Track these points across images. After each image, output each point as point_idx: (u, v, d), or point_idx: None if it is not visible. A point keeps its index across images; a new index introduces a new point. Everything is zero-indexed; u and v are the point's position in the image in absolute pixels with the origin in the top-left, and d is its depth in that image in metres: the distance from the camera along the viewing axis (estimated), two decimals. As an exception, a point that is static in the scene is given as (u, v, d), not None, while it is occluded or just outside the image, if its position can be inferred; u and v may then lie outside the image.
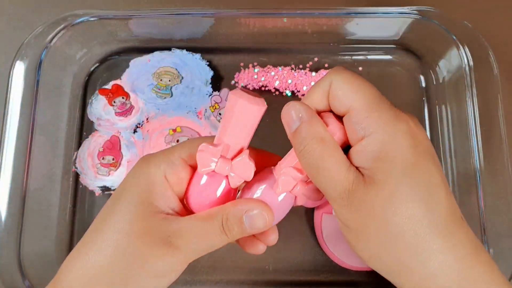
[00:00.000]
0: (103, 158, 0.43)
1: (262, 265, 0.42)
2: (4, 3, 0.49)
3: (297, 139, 0.23)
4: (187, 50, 0.47)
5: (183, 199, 0.27)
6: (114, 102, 0.45)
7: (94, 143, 0.44)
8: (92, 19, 0.43)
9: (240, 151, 0.25)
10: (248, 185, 0.26)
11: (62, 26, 0.42)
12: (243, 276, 0.42)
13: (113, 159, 0.43)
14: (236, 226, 0.24)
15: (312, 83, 0.45)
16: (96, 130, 0.45)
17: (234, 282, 0.41)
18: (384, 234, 0.21)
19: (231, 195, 0.26)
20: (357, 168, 0.23)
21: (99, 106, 0.45)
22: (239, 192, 0.27)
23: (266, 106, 0.24)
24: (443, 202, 0.22)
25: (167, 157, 0.26)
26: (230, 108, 0.24)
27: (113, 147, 0.44)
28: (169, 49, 0.47)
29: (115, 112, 0.45)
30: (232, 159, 0.25)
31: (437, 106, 0.45)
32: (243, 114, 0.24)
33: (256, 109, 0.24)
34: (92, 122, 0.45)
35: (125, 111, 0.45)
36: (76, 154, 0.44)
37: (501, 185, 0.38)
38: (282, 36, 0.47)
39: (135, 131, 0.45)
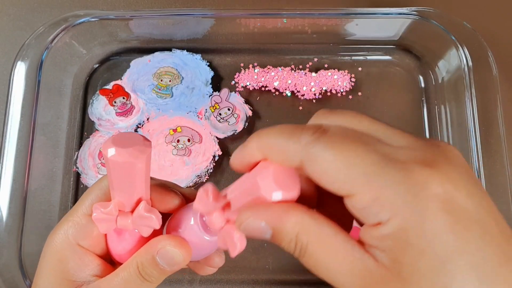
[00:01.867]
0: (103, 158, 0.43)
1: (262, 264, 0.42)
2: (5, 4, 0.49)
3: (284, 245, 0.18)
4: (187, 51, 0.47)
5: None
6: (115, 102, 0.45)
7: (94, 143, 0.44)
8: (93, 19, 0.43)
9: (138, 202, 0.22)
10: (169, 222, 0.24)
11: (63, 26, 0.43)
12: (243, 275, 0.42)
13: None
14: (153, 269, 0.22)
15: (312, 83, 0.45)
16: (97, 130, 0.45)
17: (234, 282, 0.42)
18: None
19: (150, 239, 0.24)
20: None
21: (99, 106, 0.45)
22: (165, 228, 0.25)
23: (148, 150, 0.20)
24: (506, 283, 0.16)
25: (72, 221, 0.23)
26: (106, 161, 0.20)
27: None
28: (169, 49, 0.47)
29: (116, 112, 0.45)
30: (132, 211, 0.23)
31: (436, 107, 0.46)
32: (120, 168, 0.20)
33: (132, 162, 0.20)
34: (93, 122, 0.45)
35: (126, 111, 0.45)
36: (77, 154, 0.44)
37: (500, 185, 0.38)
38: (282, 36, 0.47)
39: (135, 131, 0.45)
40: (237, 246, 0.21)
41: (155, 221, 0.22)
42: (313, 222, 0.17)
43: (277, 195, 0.18)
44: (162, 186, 0.24)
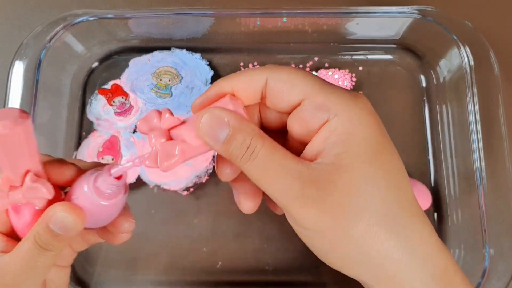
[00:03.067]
0: (102, 158, 0.43)
1: (261, 265, 0.42)
2: (3, 3, 0.49)
3: (233, 147, 0.20)
4: (187, 50, 0.47)
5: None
6: (114, 102, 0.45)
7: (93, 143, 0.44)
8: (91, 18, 0.43)
9: (25, 174, 0.22)
10: (68, 193, 0.24)
11: (61, 25, 0.42)
12: (243, 276, 0.41)
13: (112, 159, 0.43)
14: (48, 236, 0.22)
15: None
16: (96, 130, 0.45)
17: (234, 283, 0.41)
18: (360, 216, 0.19)
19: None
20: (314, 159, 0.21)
21: (98, 106, 0.45)
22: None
23: (25, 121, 0.21)
24: (407, 186, 0.21)
25: None
26: None
27: (112, 147, 0.43)
28: (168, 48, 0.47)
29: (115, 112, 0.45)
30: (22, 184, 0.22)
31: (437, 106, 0.45)
32: None
33: (7, 133, 0.20)
34: (91, 122, 0.45)
35: (125, 111, 0.45)
36: (76, 154, 0.44)
37: (502, 185, 0.38)
38: (282, 35, 0.46)
39: (134, 131, 0.45)
40: (175, 156, 0.21)
41: (44, 191, 0.22)
42: (266, 135, 0.20)
43: (243, 114, 0.21)
44: (58, 160, 0.25)
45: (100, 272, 0.42)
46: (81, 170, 0.24)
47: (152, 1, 0.50)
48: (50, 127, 0.43)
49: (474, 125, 0.40)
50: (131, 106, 0.45)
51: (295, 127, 0.21)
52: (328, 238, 0.20)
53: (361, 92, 0.22)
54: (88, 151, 0.44)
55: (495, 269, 0.37)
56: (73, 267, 0.42)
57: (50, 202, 0.23)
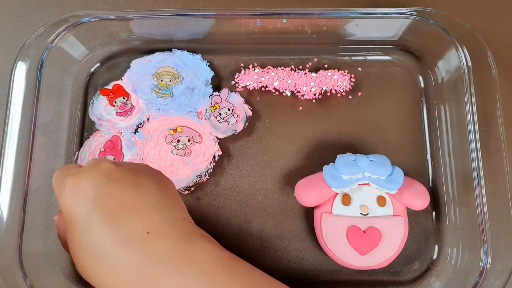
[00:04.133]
0: (104, 158, 0.43)
1: (261, 265, 0.42)
2: (5, 4, 0.50)
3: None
4: (187, 51, 0.47)
5: None
6: (115, 102, 0.45)
7: (95, 143, 0.44)
8: (93, 20, 0.43)
9: None
10: None
11: (63, 26, 0.43)
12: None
13: (114, 159, 0.43)
14: None
15: (312, 84, 0.45)
16: (97, 130, 0.45)
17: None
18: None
19: None
20: None
21: (100, 106, 0.45)
22: None
23: None
24: (110, 232, 0.27)
25: None
26: None
27: (114, 147, 0.44)
28: (169, 49, 0.47)
29: (116, 112, 0.45)
30: None
31: (436, 107, 0.46)
32: None
33: None
34: (93, 122, 0.45)
35: (126, 111, 0.45)
36: (78, 154, 0.44)
37: (500, 185, 0.38)
38: (282, 36, 0.47)
39: (136, 131, 0.45)
40: None
41: None
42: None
43: None
44: None
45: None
46: None
47: (153, 3, 0.50)
48: (52, 127, 0.43)
49: (472, 125, 0.40)
50: (132, 107, 0.45)
51: None
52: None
53: None
54: (90, 151, 0.44)
55: (493, 268, 0.37)
56: (74, 266, 0.42)
57: None
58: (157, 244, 0.27)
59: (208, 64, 0.47)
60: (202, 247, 0.28)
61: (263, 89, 0.46)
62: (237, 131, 0.44)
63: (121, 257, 0.26)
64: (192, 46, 0.47)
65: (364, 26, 0.45)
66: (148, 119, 0.45)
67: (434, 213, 0.43)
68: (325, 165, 0.41)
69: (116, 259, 0.26)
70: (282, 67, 0.46)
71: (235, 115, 0.45)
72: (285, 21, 0.44)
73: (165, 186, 0.31)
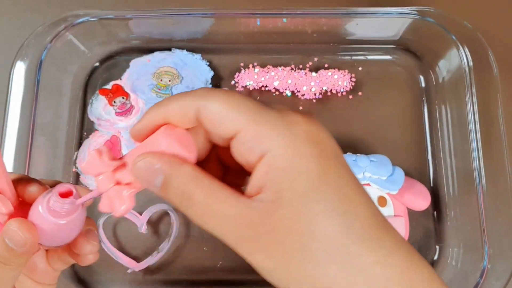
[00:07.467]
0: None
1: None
2: (4, 3, 0.49)
3: (170, 193, 0.19)
4: (187, 50, 0.47)
5: None
6: (114, 102, 0.45)
7: (94, 143, 0.44)
8: (92, 19, 0.43)
9: None
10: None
11: (62, 26, 0.42)
12: (243, 275, 0.42)
13: (113, 159, 0.43)
14: (5, 251, 0.23)
15: (312, 83, 0.45)
16: (96, 130, 0.45)
17: (234, 282, 0.42)
18: (306, 260, 0.18)
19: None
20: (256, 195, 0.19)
21: (99, 106, 0.45)
22: None
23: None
24: (361, 207, 0.19)
25: None
26: None
27: (113, 147, 0.44)
28: (169, 49, 0.47)
29: (115, 112, 0.45)
30: None
31: (436, 106, 0.46)
32: None
33: None
34: (92, 122, 0.45)
35: (125, 111, 0.45)
36: (77, 154, 0.44)
37: (501, 184, 0.38)
38: (282, 36, 0.47)
39: (135, 131, 0.45)
40: (125, 201, 0.21)
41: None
42: (203, 175, 0.19)
43: (177, 151, 0.19)
44: (25, 178, 0.25)
45: (100, 271, 0.42)
46: (45, 187, 0.25)
47: (153, 2, 0.50)
48: (51, 127, 0.43)
49: (473, 125, 0.40)
50: (131, 106, 0.45)
51: (237, 159, 0.20)
52: (280, 277, 0.19)
53: (292, 112, 0.20)
54: (89, 151, 0.44)
55: (494, 268, 0.37)
56: (74, 266, 0.42)
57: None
58: (390, 237, 0.20)
59: (207, 63, 0.47)
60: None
61: (263, 89, 0.46)
62: (237, 131, 0.44)
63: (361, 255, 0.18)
64: (191, 45, 0.47)
65: (365, 25, 0.45)
66: (147, 119, 0.45)
67: (435, 213, 0.43)
68: (326, 165, 0.40)
69: (355, 258, 0.18)
70: (282, 67, 0.46)
71: (235, 115, 0.44)
72: (285, 21, 0.44)
73: None
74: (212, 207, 0.19)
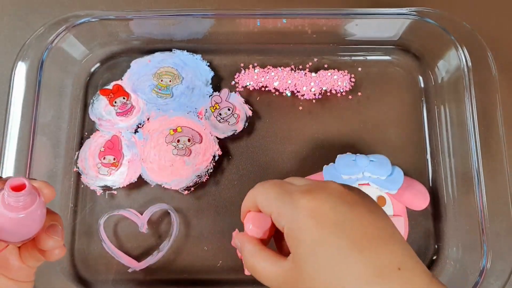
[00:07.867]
0: (104, 158, 0.43)
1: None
2: (5, 4, 0.50)
3: (243, 256, 0.29)
4: (187, 51, 0.47)
5: None
6: (115, 102, 0.45)
7: (95, 143, 0.44)
8: (93, 20, 0.43)
9: None
10: None
11: (63, 27, 0.43)
12: (243, 275, 0.41)
13: (114, 159, 0.43)
14: None
15: (312, 84, 0.45)
16: (97, 130, 0.45)
17: (234, 281, 0.42)
18: None
19: None
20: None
21: (100, 106, 0.45)
22: None
23: None
24: (356, 264, 0.23)
25: None
26: None
27: (114, 147, 0.44)
28: (169, 49, 0.47)
29: (116, 112, 0.45)
30: None
31: (436, 107, 0.46)
32: None
33: None
34: (93, 122, 0.45)
35: (126, 111, 0.45)
36: (78, 154, 0.44)
37: (500, 184, 0.39)
38: (282, 36, 0.47)
39: (136, 131, 0.45)
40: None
41: None
42: (259, 247, 0.28)
43: (249, 227, 0.29)
44: None
45: (101, 271, 0.42)
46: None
47: (153, 3, 0.50)
48: (52, 127, 0.43)
49: (472, 125, 0.40)
50: (132, 107, 0.45)
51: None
52: None
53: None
54: (90, 151, 0.44)
55: (493, 268, 0.37)
56: (74, 266, 0.42)
57: None
58: (413, 282, 0.23)
59: (208, 64, 0.47)
60: None
61: (263, 89, 0.46)
62: (237, 131, 0.44)
63: None
64: (192, 46, 0.47)
65: (364, 26, 0.45)
66: (148, 119, 0.45)
67: (434, 213, 0.43)
68: (325, 165, 0.41)
69: None
70: (282, 67, 0.46)
71: (235, 115, 0.45)
72: (285, 21, 0.44)
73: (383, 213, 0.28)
74: (258, 270, 0.28)
